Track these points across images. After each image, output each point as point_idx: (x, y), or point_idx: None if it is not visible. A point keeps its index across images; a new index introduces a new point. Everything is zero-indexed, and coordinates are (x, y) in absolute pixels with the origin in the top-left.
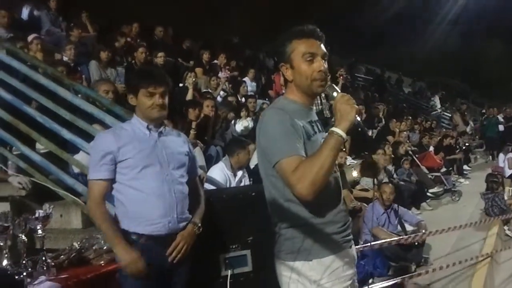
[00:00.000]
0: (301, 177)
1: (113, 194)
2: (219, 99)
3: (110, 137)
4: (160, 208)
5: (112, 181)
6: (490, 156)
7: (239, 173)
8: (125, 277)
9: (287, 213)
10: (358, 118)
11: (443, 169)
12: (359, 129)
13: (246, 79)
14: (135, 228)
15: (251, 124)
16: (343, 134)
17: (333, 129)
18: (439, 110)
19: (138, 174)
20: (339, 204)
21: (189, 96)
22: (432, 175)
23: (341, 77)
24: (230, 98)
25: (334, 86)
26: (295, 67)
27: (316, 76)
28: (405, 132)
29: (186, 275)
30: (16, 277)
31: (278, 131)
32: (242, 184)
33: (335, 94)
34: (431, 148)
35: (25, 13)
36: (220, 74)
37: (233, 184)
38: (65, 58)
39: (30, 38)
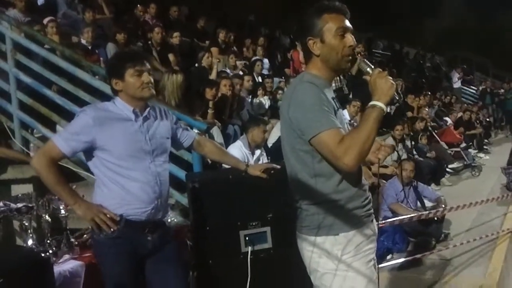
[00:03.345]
0: (348, 148)
1: (96, 180)
2: None
3: (92, 120)
4: (146, 195)
5: (64, 156)
6: (510, 131)
7: (257, 151)
8: (101, 245)
9: (311, 189)
10: (397, 96)
11: (463, 144)
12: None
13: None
14: (115, 211)
15: (268, 103)
16: (385, 108)
17: (375, 102)
18: (457, 86)
19: (123, 161)
20: (361, 179)
21: (213, 76)
22: (451, 151)
23: (359, 55)
24: (247, 78)
25: (366, 61)
26: (326, 41)
27: (347, 52)
28: (427, 109)
29: (175, 250)
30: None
31: (315, 104)
32: (260, 162)
33: (369, 69)
34: (451, 123)
35: None
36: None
37: (251, 163)
38: (83, 41)
39: (45, 21)
